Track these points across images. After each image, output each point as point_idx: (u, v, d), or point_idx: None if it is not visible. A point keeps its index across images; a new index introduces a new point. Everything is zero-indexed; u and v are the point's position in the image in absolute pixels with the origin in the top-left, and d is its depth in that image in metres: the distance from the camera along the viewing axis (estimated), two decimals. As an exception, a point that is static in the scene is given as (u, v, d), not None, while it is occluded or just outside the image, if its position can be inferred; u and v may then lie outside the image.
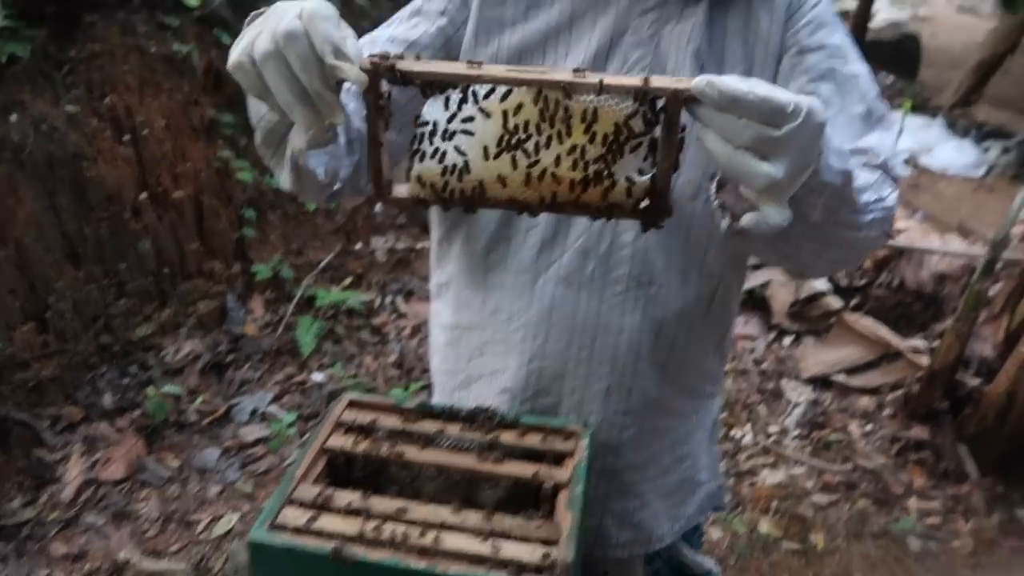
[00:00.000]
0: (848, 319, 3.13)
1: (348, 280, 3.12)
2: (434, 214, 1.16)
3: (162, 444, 2.34)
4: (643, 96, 0.67)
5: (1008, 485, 2.61)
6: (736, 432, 2.72)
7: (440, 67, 0.69)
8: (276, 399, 2.53)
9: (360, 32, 0.81)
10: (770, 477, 2.52)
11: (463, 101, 0.70)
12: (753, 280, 3.45)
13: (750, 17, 0.96)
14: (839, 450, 2.68)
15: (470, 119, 0.70)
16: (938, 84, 7.31)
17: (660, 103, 0.68)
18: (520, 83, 0.68)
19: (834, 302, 3.23)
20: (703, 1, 0.95)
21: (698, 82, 0.64)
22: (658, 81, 0.67)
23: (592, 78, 0.67)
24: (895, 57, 7.38)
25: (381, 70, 0.68)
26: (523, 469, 0.89)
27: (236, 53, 0.69)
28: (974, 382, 2.75)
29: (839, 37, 0.98)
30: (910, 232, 3.36)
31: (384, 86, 0.70)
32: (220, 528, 2.14)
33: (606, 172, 0.70)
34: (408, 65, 0.68)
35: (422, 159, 0.71)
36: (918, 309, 3.19)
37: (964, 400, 2.75)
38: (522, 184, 0.71)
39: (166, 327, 2.59)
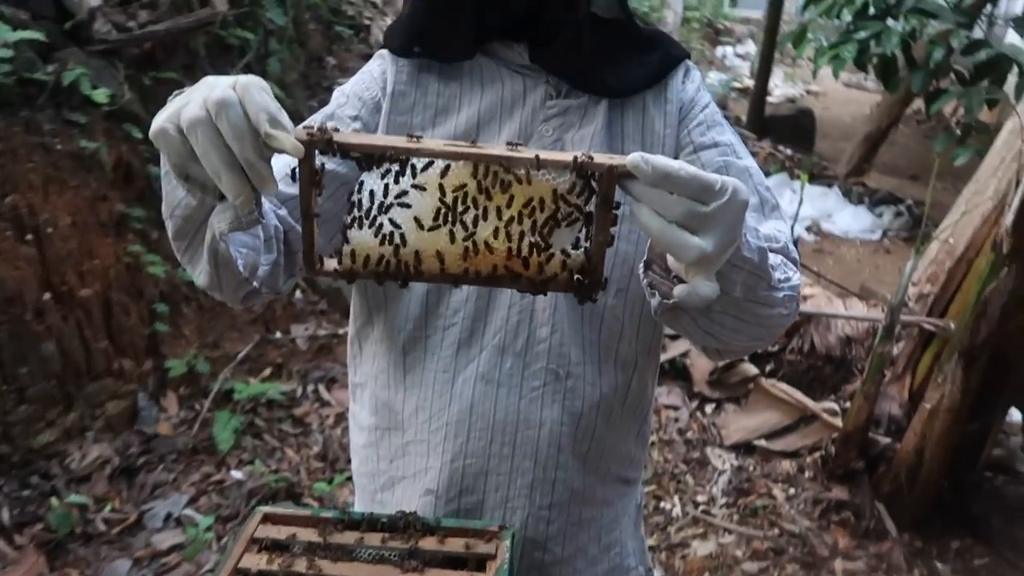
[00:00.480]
0: (764, 384, 3.23)
1: (267, 371, 3.05)
2: (352, 306, 1.16)
3: (66, 559, 2.19)
4: (579, 171, 0.69)
5: (926, 540, 2.69)
6: (666, 504, 2.74)
7: (377, 140, 0.69)
8: (192, 501, 2.42)
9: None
10: (701, 548, 2.53)
11: (400, 174, 0.70)
12: (673, 350, 3.53)
13: (645, 120, 1.02)
14: (765, 515, 2.72)
15: (407, 193, 0.70)
16: (833, 155, 7.80)
17: (595, 179, 0.70)
18: (457, 157, 0.68)
19: (750, 369, 3.33)
20: (601, 106, 1.01)
21: (633, 158, 0.68)
22: (596, 158, 0.68)
23: (529, 153, 0.68)
24: (792, 131, 7.86)
25: (317, 141, 0.67)
26: None
27: (160, 120, 0.68)
28: (885, 441, 2.86)
29: (729, 135, 1.05)
30: (816, 298, 3.52)
31: (318, 159, 0.69)
32: (131, 648, 2.00)
33: (542, 245, 0.71)
34: (345, 137, 0.68)
35: (359, 229, 0.71)
36: (829, 372, 3.32)
37: (878, 459, 2.85)
38: (459, 257, 0.71)
39: (71, 432, 2.46)
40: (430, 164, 0.70)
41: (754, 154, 7.22)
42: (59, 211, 2.56)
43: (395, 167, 0.70)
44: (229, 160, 0.65)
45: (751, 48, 12.36)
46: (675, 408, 3.28)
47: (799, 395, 3.16)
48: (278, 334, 3.21)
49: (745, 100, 8.44)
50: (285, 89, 3.88)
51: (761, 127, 7.81)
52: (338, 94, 1.07)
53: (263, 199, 0.84)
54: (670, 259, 0.74)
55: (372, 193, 0.70)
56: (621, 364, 1.05)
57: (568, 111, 1.01)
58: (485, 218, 0.70)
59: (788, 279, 0.92)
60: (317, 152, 0.69)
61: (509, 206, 0.70)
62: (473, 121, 1.02)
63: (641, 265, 0.79)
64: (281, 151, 0.65)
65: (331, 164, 1.00)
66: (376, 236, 0.71)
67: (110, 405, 2.57)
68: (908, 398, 2.95)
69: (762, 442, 3.06)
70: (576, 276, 0.72)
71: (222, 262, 0.82)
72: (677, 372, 3.46)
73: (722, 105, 9.34)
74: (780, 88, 10.89)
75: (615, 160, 0.68)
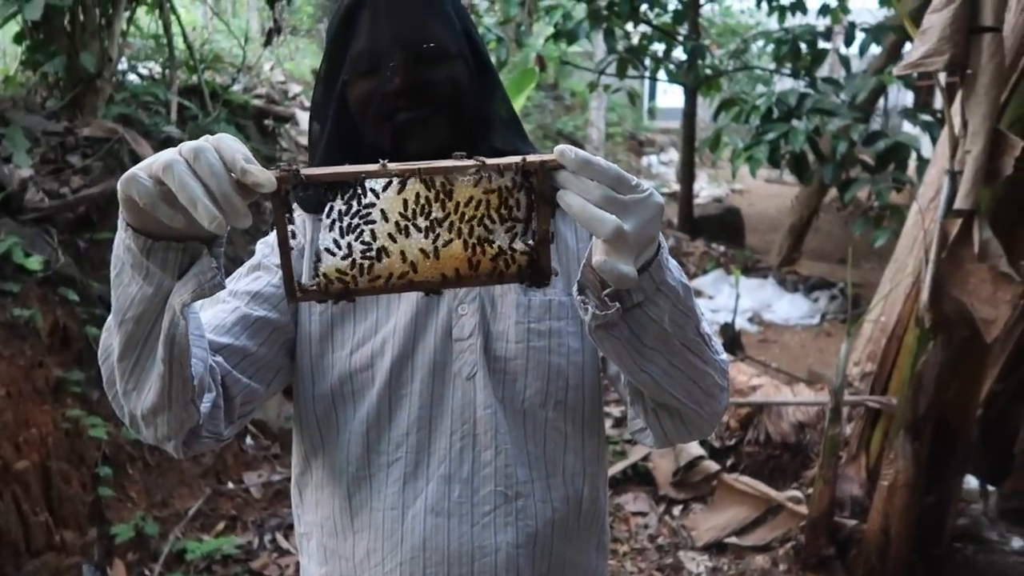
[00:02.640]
0: (727, 480, 3.23)
1: (221, 525, 2.93)
2: (293, 454, 1.15)
3: None
4: (518, 170, 0.78)
5: (908, 620, 2.66)
6: (644, 617, 2.66)
7: (338, 168, 0.78)
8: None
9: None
10: (684, 660, 2.45)
11: (362, 196, 0.78)
12: (634, 455, 3.53)
13: (557, 239, 1.07)
14: (745, 617, 2.67)
15: (369, 212, 0.78)
16: (764, 247, 8.14)
17: (531, 176, 0.79)
18: (410, 173, 0.77)
19: (712, 465, 3.34)
20: None
21: (559, 148, 0.76)
22: (530, 157, 0.78)
23: (474, 161, 0.78)
24: (722, 229, 8.22)
25: (289, 179, 0.75)
26: None
27: (129, 171, 0.71)
28: (852, 523, 2.86)
29: None
30: (765, 388, 3.59)
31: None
32: None
33: (496, 243, 0.80)
34: (310, 171, 0.76)
35: (331, 255, 0.78)
36: (787, 459, 3.35)
37: (848, 542, 2.84)
38: (424, 264, 0.80)
39: (10, 617, 2.31)
40: (388, 184, 0.78)
41: (688, 253, 7.50)
42: (-7, 383, 2.50)
43: (356, 191, 0.78)
44: (205, 191, 0.69)
45: (674, 155, 13.03)
46: (643, 514, 3.24)
47: (762, 487, 3.16)
48: (230, 484, 3.11)
49: (674, 203, 8.83)
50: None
51: (692, 228, 8.15)
52: (262, 245, 1.10)
53: (193, 348, 0.85)
54: (596, 257, 0.78)
55: (336, 219, 0.78)
56: (570, 476, 1.06)
57: None
58: (442, 225, 0.79)
59: (719, 354, 0.96)
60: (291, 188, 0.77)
61: (458, 211, 0.79)
62: None
63: (575, 287, 0.83)
64: (257, 184, 0.70)
65: (264, 312, 1.03)
66: (345, 258, 0.79)
67: (52, 583, 2.43)
68: (867, 477, 2.98)
69: (733, 539, 3.03)
70: (526, 267, 0.82)
71: (177, 355, 0.82)
72: (641, 477, 3.44)
73: (653, 210, 9.71)
74: (706, 189, 11.43)
75: (548, 156, 0.78)
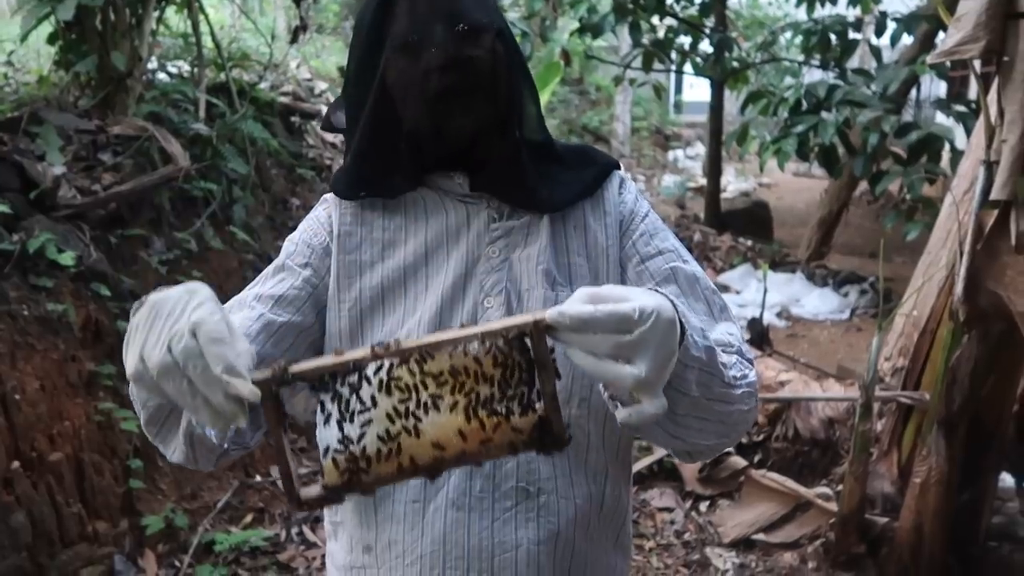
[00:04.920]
0: (755, 476, 3.19)
1: (249, 517, 2.96)
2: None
3: None
4: (511, 335, 0.74)
5: (941, 620, 2.61)
6: (671, 613, 2.64)
7: (328, 360, 0.74)
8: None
9: (245, 270, 0.86)
10: (712, 657, 2.43)
11: (359, 384, 0.74)
12: (660, 451, 3.50)
13: (587, 235, 1.07)
14: (774, 614, 2.64)
15: (366, 401, 0.74)
16: (792, 241, 8.04)
17: (528, 337, 0.74)
18: (397, 353, 0.73)
19: (739, 461, 3.30)
20: (544, 224, 1.05)
21: (551, 313, 0.73)
22: (520, 319, 0.74)
23: (467, 331, 0.74)
24: (749, 223, 8.13)
25: (275, 379, 0.72)
26: None
27: (132, 362, 0.74)
28: (883, 520, 2.81)
29: (672, 240, 1.10)
30: (793, 383, 3.54)
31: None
32: None
33: (502, 411, 0.75)
34: (299, 366, 0.73)
35: (338, 446, 0.74)
36: (816, 456, 3.30)
37: (879, 540, 2.79)
38: (431, 448, 0.74)
39: (44, 606, 2.35)
40: (380, 368, 0.74)
41: (715, 248, 7.43)
42: (27, 376, 2.54)
43: (352, 378, 0.74)
44: (203, 402, 0.72)
45: (700, 150, 12.92)
46: (669, 510, 3.21)
47: (791, 483, 3.12)
48: (258, 477, 3.14)
49: (701, 198, 8.75)
50: (252, 233, 3.97)
51: (719, 222, 8.07)
52: (288, 244, 1.12)
53: None
54: (620, 414, 0.77)
55: (333, 411, 0.74)
56: (592, 474, 1.05)
57: (512, 231, 1.06)
58: (443, 402, 0.75)
59: (744, 376, 0.95)
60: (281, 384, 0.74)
61: (461, 387, 0.74)
62: (421, 251, 1.06)
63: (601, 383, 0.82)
64: (240, 397, 0.71)
65: (288, 316, 1.04)
66: (348, 449, 0.74)
67: (85, 572, 2.46)
68: (898, 474, 2.93)
69: (761, 536, 3.00)
70: (538, 435, 0.76)
71: (197, 441, 0.89)
72: (667, 473, 3.41)
73: (679, 205, 9.67)
74: (733, 184, 11.32)
75: (538, 315, 0.73)
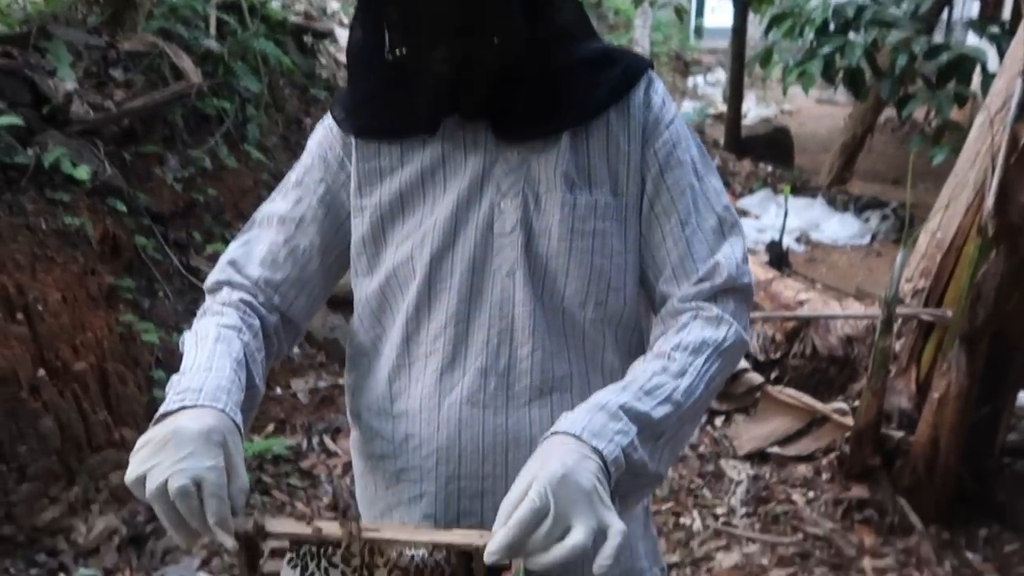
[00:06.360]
0: (772, 392, 3.20)
1: (271, 427, 3.02)
2: (348, 344, 1.17)
3: (80, 636, 2.14)
4: (455, 551, 0.84)
5: (953, 531, 2.64)
6: (685, 520, 2.69)
7: (298, 528, 0.86)
8: (204, 564, 2.37)
9: (260, 189, 0.86)
10: (725, 560, 2.48)
11: (327, 552, 0.87)
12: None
13: (609, 138, 1.03)
14: (787, 521, 2.67)
15: (331, 565, 0.87)
16: (813, 167, 7.90)
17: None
18: (357, 540, 0.85)
19: (755, 377, 3.31)
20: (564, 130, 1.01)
21: (488, 554, 0.79)
22: (468, 538, 0.83)
23: (419, 536, 0.85)
24: (770, 149, 7.98)
25: (253, 534, 0.85)
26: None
27: (133, 472, 0.83)
28: (899, 435, 2.82)
29: (694, 151, 1.06)
30: (812, 302, 3.52)
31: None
32: None
33: None
34: (274, 528, 0.86)
35: None
36: (834, 373, 3.30)
37: (894, 453, 2.81)
38: None
39: (76, 506, 2.42)
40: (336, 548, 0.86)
41: (734, 173, 7.31)
42: (48, 288, 2.56)
43: (313, 547, 0.87)
44: (186, 529, 0.83)
45: (721, 76, 12.61)
46: (684, 426, 3.24)
47: (807, 398, 3.13)
48: (278, 390, 3.19)
49: (721, 125, 8.57)
50: (266, 153, 3.94)
51: (739, 148, 7.92)
52: (305, 155, 1.12)
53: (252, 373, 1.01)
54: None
55: (301, 561, 0.88)
56: (608, 372, 1.06)
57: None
58: None
59: (707, 370, 0.97)
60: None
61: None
62: (438, 153, 1.03)
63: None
64: (223, 546, 0.83)
65: (311, 238, 1.09)
66: None
67: (113, 476, 2.53)
68: (916, 390, 2.92)
69: (775, 449, 3.02)
70: None
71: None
72: (682, 390, 3.43)
73: (699, 130, 9.49)
74: (754, 110, 11.08)
75: (482, 540, 0.81)
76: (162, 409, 0.88)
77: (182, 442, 0.82)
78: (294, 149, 4.17)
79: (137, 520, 2.46)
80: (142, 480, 0.82)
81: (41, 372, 2.43)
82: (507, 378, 1.01)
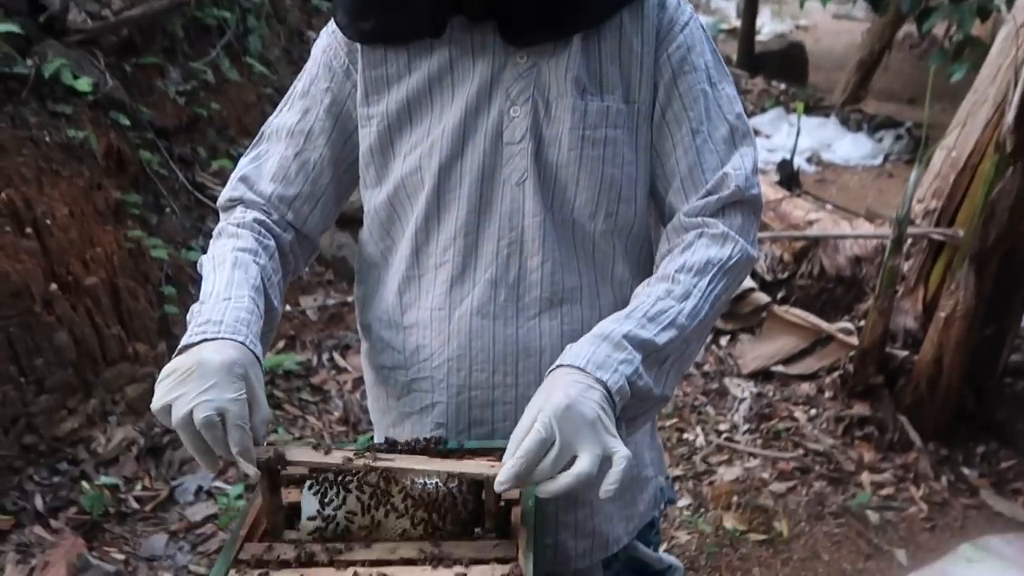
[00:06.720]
0: (777, 311, 3.22)
1: (281, 343, 3.06)
2: (357, 257, 1.17)
3: (104, 539, 2.22)
4: (467, 480, 0.88)
5: (951, 447, 2.70)
6: (688, 435, 2.75)
7: (316, 456, 0.89)
8: (220, 474, 2.44)
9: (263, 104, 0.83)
10: (727, 473, 2.55)
11: (344, 480, 0.90)
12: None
13: (622, 41, 0.99)
14: (788, 437, 2.73)
15: (345, 491, 0.90)
16: (827, 85, 7.71)
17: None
18: (373, 469, 0.87)
19: (762, 297, 3.32)
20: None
21: (498, 483, 0.82)
22: (478, 469, 0.87)
23: (433, 465, 0.87)
24: (784, 65, 7.77)
25: (273, 462, 0.88)
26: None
27: (159, 401, 0.85)
28: (903, 354, 2.85)
29: (708, 56, 1.03)
30: (822, 222, 3.50)
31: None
32: (176, 617, 2.03)
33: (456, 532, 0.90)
34: (294, 455, 0.89)
35: (311, 520, 0.90)
36: (840, 293, 3.31)
37: (897, 372, 2.84)
38: (393, 533, 0.90)
39: (94, 417, 2.47)
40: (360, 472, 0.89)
41: (747, 91, 7.15)
42: (55, 202, 2.55)
43: (333, 476, 0.90)
44: (209, 454, 0.86)
45: (735, -11, 12.16)
46: (690, 344, 3.27)
47: (813, 318, 3.15)
48: (287, 307, 3.22)
49: (734, 41, 8.33)
50: (269, 66, 3.85)
51: (752, 64, 7.72)
52: (310, 63, 1.10)
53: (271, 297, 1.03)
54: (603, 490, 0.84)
55: (322, 495, 0.90)
56: (618, 283, 1.06)
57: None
58: (395, 510, 0.90)
59: (712, 289, 0.96)
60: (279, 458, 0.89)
61: (411, 505, 0.90)
62: (446, 59, 1.01)
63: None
64: (245, 474, 0.86)
65: (320, 150, 1.08)
66: (326, 523, 0.91)
67: (129, 389, 2.58)
68: (923, 310, 2.94)
69: (780, 367, 3.06)
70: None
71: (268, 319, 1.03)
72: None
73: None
74: (768, 25, 10.75)
75: (493, 470, 0.84)
76: (184, 341, 0.89)
77: (206, 374, 0.83)
78: (297, 63, 4.07)
79: (154, 431, 2.52)
80: (167, 409, 0.84)
81: (53, 286, 2.44)
82: (517, 289, 1.02)
